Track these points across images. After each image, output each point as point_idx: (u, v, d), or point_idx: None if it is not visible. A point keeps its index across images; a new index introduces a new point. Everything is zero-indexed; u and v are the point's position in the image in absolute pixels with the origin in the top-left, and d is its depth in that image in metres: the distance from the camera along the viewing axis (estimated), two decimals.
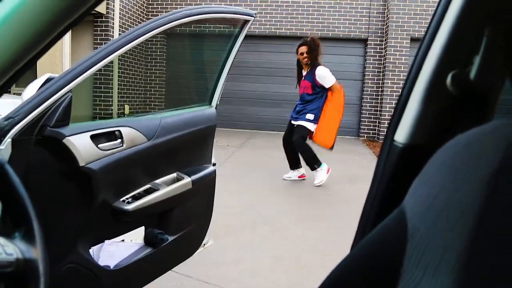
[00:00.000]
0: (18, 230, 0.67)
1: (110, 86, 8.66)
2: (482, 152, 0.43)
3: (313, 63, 4.78)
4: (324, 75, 4.73)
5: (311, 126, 4.79)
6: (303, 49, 4.76)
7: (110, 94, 8.71)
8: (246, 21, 2.01)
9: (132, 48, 1.55)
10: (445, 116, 0.72)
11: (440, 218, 0.42)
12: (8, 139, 1.21)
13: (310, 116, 4.78)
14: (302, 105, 4.89)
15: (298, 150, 4.85)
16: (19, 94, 1.31)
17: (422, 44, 0.73)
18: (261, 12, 9.61)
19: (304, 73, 4.91)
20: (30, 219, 0.69)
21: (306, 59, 4.78)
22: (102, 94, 8.66)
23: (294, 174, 5.10)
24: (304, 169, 5.09)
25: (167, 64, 10.34)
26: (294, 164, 5.07)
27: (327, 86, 4.74)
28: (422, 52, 0.73)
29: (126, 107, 9.39)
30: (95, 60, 1.38)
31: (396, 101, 0.77)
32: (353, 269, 0.53)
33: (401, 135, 0.76)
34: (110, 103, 8.72)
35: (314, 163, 4.80)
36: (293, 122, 4.96)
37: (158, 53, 10.26)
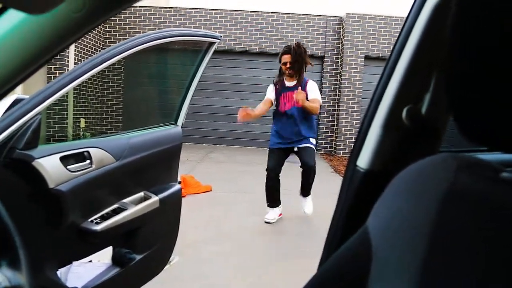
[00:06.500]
0: (3, 259, 0.69)
1: (65, 108, 8.37)
2: (432, 180, 0.49)
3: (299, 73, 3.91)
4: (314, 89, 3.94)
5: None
6: (287, 58, 3.84)
7: (65, 116, 8.43)
8: (212, 43, 2.08)
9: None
10: (400, 146, 0.81)
11: (397, 237, 0.48)
12: None
13: (313, 140, 4.03)
14: (298, 123, 3.91)
15: (313, 176, 3.96)
16: None
17: (380, 81, 0.83)
18: (221, 28, 9.71)
19: (290, 84, 3.93)
20: (15, 247, 0.71)
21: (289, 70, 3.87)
22: (56, 116, 8.36)
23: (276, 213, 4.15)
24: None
25: (126, 85, 10.15)
26: (276, 201, 4.11)
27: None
28: (381, 88, 0.82)
29: (82, 120, 9.14)
30: (64, 83, 1.39)
31: (358, 126, 0.86)
32: (324, 286, 0.59)
33: (363, 161, 0.84)
34: (65, 124, 8.42)
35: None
36: (295, 146, 3.95)
37: (115, 73, 10.05)
